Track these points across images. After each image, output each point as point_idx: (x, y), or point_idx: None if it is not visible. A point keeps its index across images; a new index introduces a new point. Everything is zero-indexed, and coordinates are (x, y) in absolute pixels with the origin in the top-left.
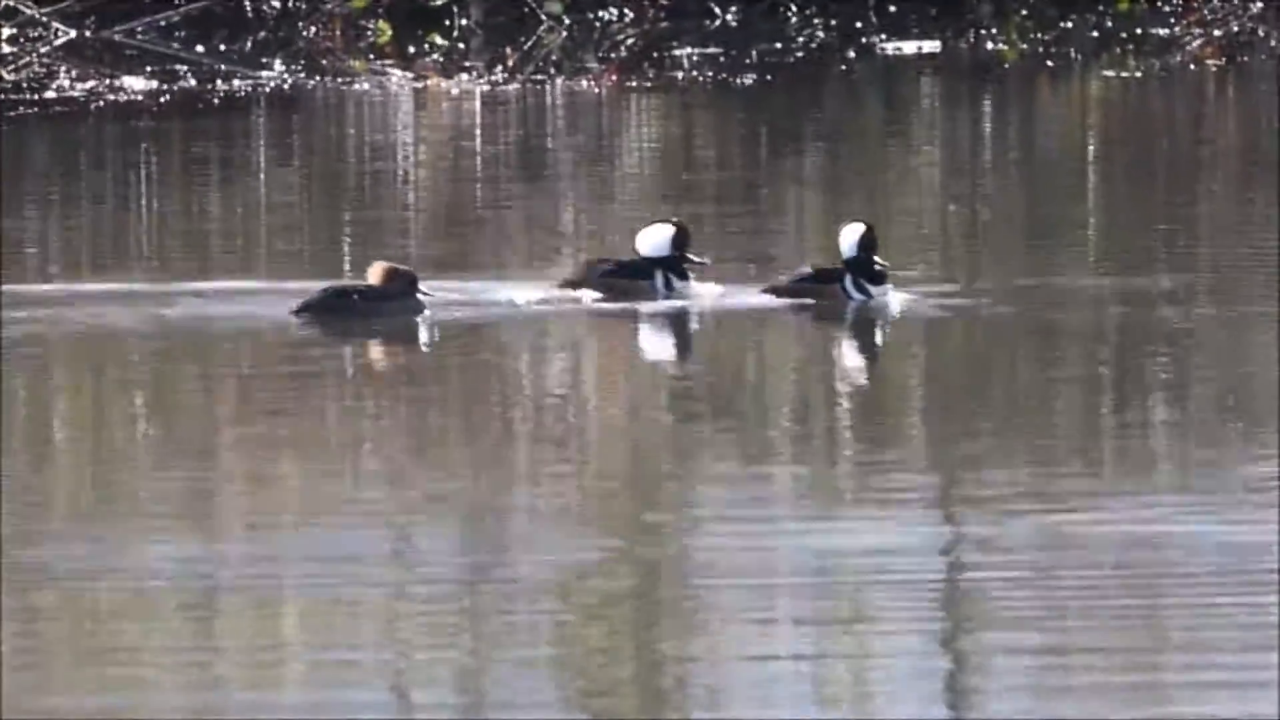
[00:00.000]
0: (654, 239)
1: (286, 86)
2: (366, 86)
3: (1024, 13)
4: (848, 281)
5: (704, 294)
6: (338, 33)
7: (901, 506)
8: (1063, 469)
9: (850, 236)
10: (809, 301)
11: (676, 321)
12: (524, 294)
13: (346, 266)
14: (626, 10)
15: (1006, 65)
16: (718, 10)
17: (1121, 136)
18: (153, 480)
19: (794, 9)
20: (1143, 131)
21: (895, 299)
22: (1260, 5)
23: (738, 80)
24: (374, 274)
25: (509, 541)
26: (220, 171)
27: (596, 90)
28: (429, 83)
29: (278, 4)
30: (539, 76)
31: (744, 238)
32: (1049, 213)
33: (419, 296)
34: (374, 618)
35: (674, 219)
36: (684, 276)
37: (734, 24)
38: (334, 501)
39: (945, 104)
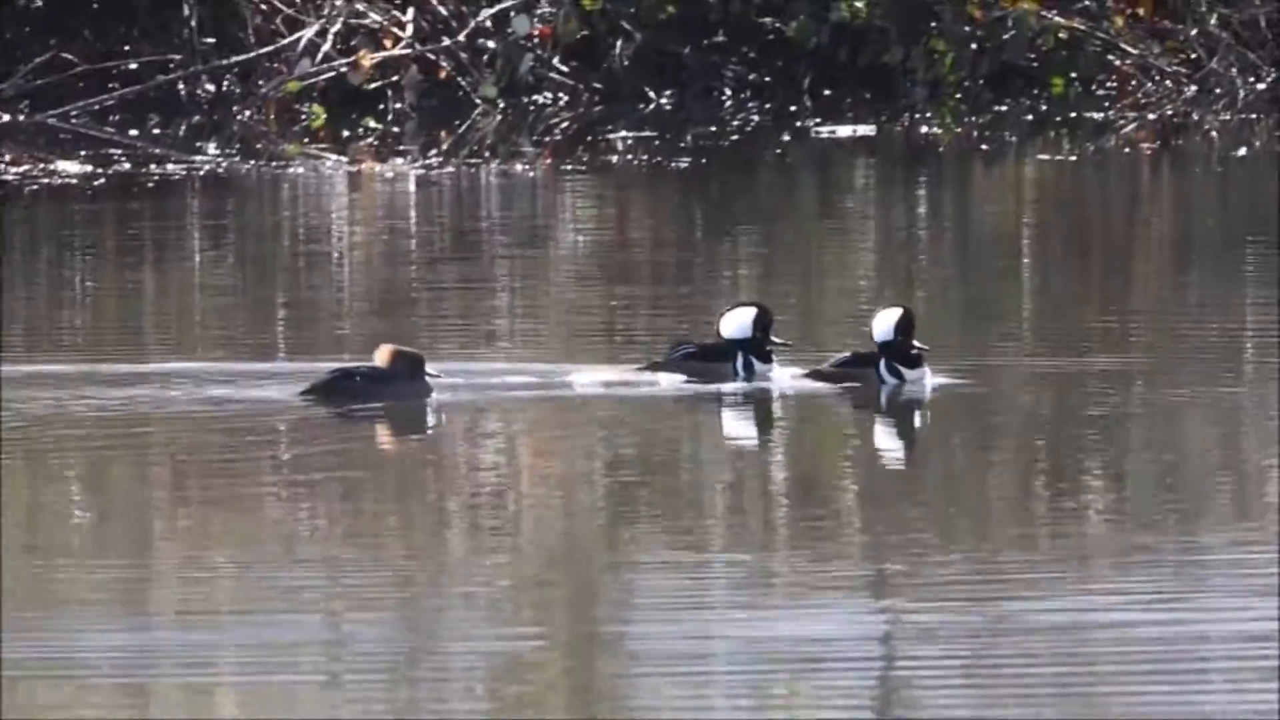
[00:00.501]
0: (736, 321)
1: (221, 170)
2: (301, 170)
3: (958, 96)
4: (881, 366)
5: (783, 378)
6: (272, 117)
7: (841, 595)
8: (1005, 556)
9: (885, 321)
10: (848, 385)
11: (697, 405)
12: (600, 376)
13: (280, 348)
14: (561, 94)
15: (941, 149)
16: (652, 94)
17: (1056, 219)
18: (87, 570)
19: (728, 93)
20: (1078, 214)
21: (930, 382)
22: (1194, 89)
23: (672, 163)
24: (380, 356)
25: (451, 629)
26: (154, 253)
27: (531, 174)
28: (363, 166)
29: (212, 88)
30: (473, 160)
31: (678, 318)
32: (984, 294)
33: (426, 379)
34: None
35: (756, 300)
36: (766, 359)
37: (668, 107)
38: (272, 590)
39: (880, 187)
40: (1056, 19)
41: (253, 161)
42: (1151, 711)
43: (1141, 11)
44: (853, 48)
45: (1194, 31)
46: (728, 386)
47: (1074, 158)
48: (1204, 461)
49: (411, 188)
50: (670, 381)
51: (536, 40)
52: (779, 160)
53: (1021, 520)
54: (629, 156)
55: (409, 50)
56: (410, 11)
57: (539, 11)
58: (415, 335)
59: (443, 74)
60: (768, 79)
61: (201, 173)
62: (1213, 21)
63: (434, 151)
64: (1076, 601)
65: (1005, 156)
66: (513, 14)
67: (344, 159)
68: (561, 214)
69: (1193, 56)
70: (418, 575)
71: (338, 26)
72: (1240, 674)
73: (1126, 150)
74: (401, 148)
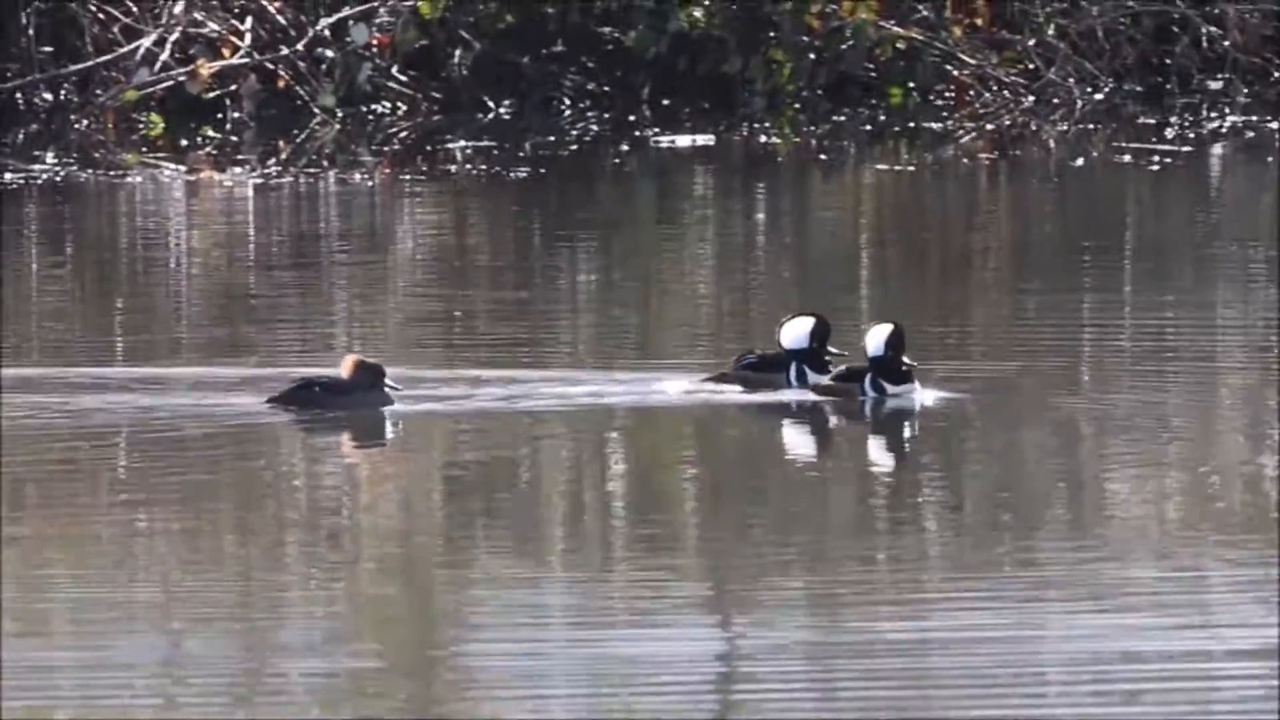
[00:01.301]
0: (794, 332)
1: (59, 179)
2: (139, 179)
3: (797, 106)
4: (867, 380)
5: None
6: (110, 126)
7: (686, 613)
8: (844, 572)
9: (876, 336)
10: (833, 400)
11: (714, 414)
12: (674, 386)
13: (118, 353)
14: (399, 104)
15: (780, 158)
16: (491, 103)
17: (894, 228)
18: None
19: (567, 102)
20: (914, 224)
21: (918, 397)
22: (1032, 99)
23: (511, 173)
24: (344, 366)
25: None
26: None
27: (370, 183)
28: (202, 175)
29: (49, 96)
30: (312, 169)
31: (516, 324)
32: (822, 303)
33: (385, 390)
34: None
35: (814, 311)
36: (821, 369)
37: (507, 117)
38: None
39: (718, 196)
40: (894, 29)
41: (91, 170)
42: None
43: (979, 22)
44: (691, 57)
45: (1032, 42)
46: (776, 396)
47: (912, 167)
48: (1043, 472)
49: (250, 197)
50: (730, 391)
51: (375, 49)
52: (618, 170)
53: (869, 532)
54: (468, 166)
55: (247, 59)
56: (248, 21)
57: (377, 21)
58: (252, 341)
59: (281, 83)
60: (606, 89)
61: (39, 181)
62: (1050, 32)
63: (273, 161)
64: (921, 616)
65: (844, 166)
66: (351, 23)
67: (182, 168)
68: (400, 222)
69: (1030, 67)
70: (257, 594)
71: (176, 35)
72: (1081, 688)
73: (965, 160)
74: (240, 157)
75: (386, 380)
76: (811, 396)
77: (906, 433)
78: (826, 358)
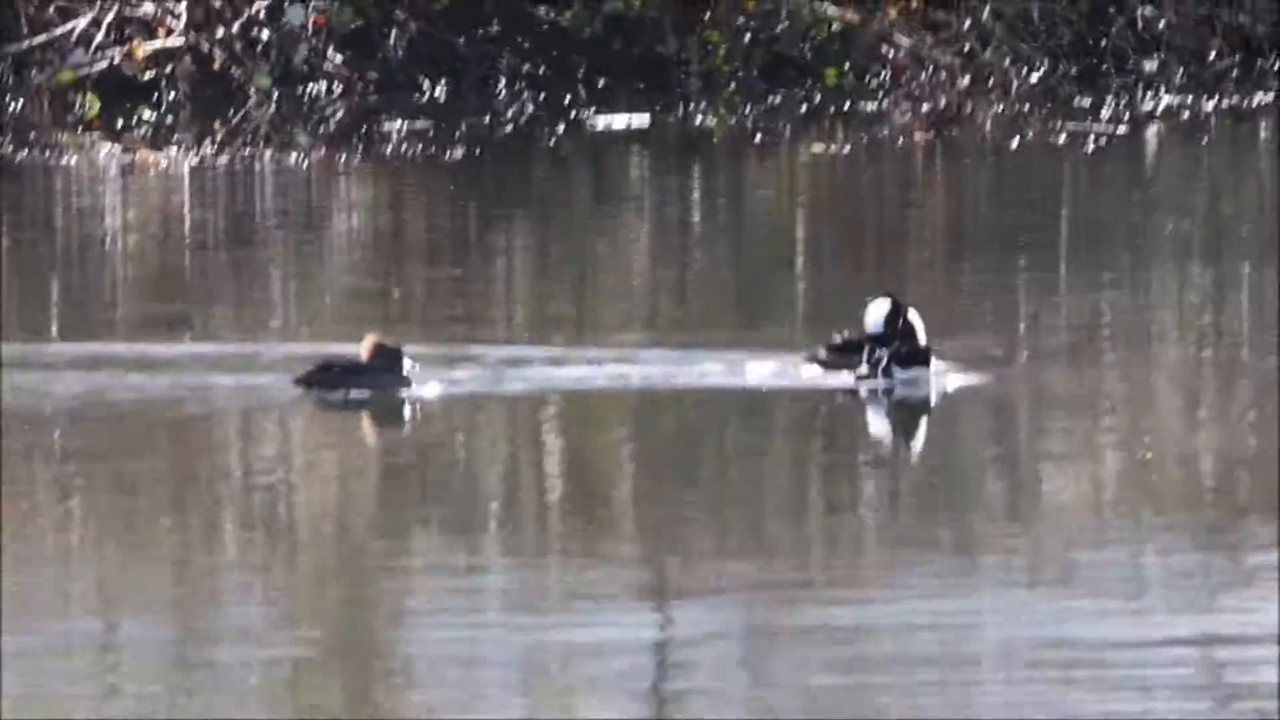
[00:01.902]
0: (874, 314)
1: None
2: (75, 160)
3: (732, 87)
4: (880, 363)
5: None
6: (46, 106)
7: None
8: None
9: (875, 313)
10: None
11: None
12: (764, 370)
13: (54, 331)
14: (335, 84)
15: (715, 139)
16: (427, 84)
17: (829, 208)
18: None
19: (503, 83)
20: (850, 204)
21: (932, 380)
22: (967, 80)
23: (447, 154)
24: (363, 347)
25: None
26: None
27: (306, 164)
28: (137, 156)
29: None
30: (248, 150)
31: (453, 302)
32: (756, 282)
33: (403, 372)
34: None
35: (891, 294)
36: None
37: (443, 97)
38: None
39: (654, 177)
40: (830, 10)
41: (26, 151)
42: (928, 703)
43: (915, 3)
44: (627, 38)
45: (967, 23)
46: (840, 380)
47: (848, 148)
48: (973, 455)
49: (186, 177)
50: (810, 374)
51: (310, 30)
52: (553, 150)
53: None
54: (404, 146)
55: (183, 40)
56: (184, 2)
57: (313, 1)
58: (189, 317)
59: (217, 64)
60: (542, 69)
61: None
62: (986, 13)
63: (208, 141)
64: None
65: (779, 146)
66: (286, 4)
67: (118, 148)
68: (336, 202)
69: (966, 48)
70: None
71: (111, 16)
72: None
73: (900, 141)
74: (176, 138)
75: (405, 361)
76: (874, 382)
77: (882, 419)
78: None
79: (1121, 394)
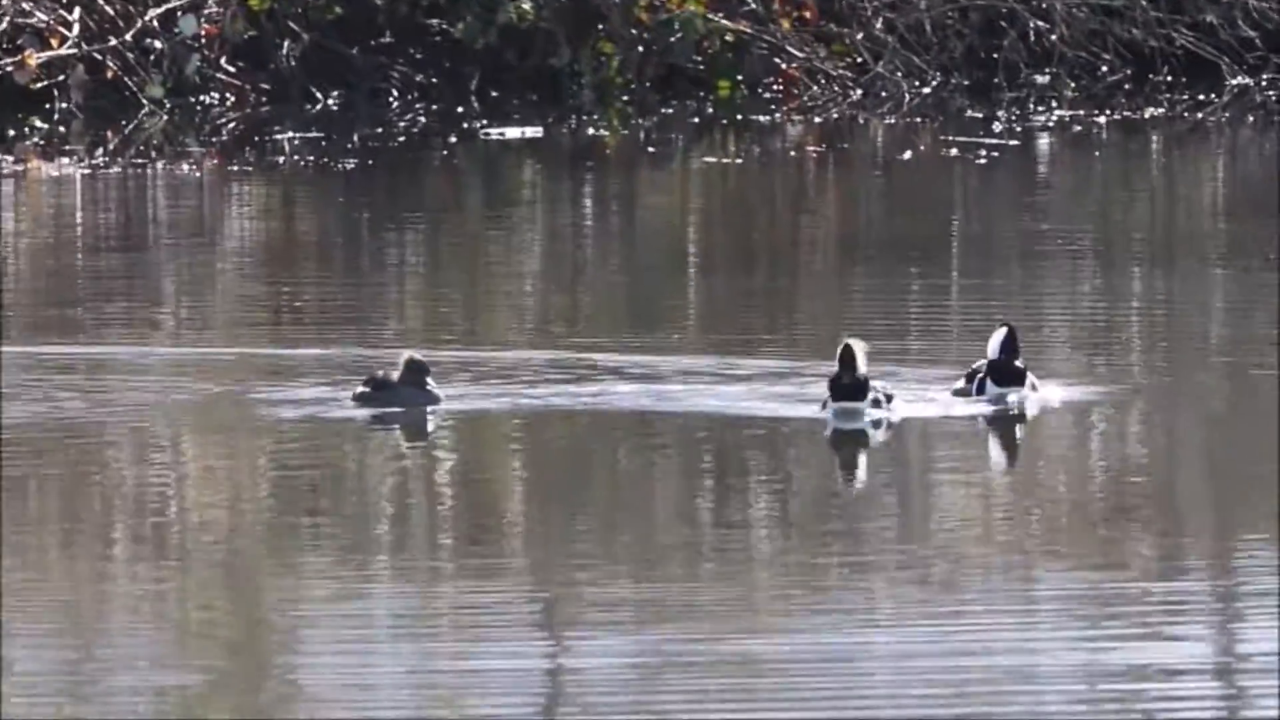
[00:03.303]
0: (992, 342)
1: None
2: None
3: (625, 98)
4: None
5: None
6: None
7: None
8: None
9: (994, 339)
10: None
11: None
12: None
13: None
14: (228, 94)
15: (608, 150)
16: (319, 95)
17: (721, 219)
18: None
19: (396, 94)
20: (742, 215)
21: (1027, 398)
22: (860, 93)
23: (339, 164)
24: (401, 363)
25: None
26: None
27: (198, 174)
28: (29, 166)
29: None
30: (140, 160)
31: (344, 311)
32: (648, 291)
33: (428, 389)
34: None
35: (1006, 321)
36: (1005, 381)
37: (336, 108)
38: None
39: (546, 188)
40: (723, 22)
41: None
42: None
43: (807, 15)
44: (520, 50)
45: (860, 35)
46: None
47: (739, 160)
48: (871, 475)
49: (78, 187)
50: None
51: (203, 40)
52: (446, 161)
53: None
54: (296, 157)
55: (75, 50)
56: (76, 11)
57: (206, 12)
58: (81, 324)
59: (109, 74)
60: (435, 80)
61: None
62: (878, 25)
63: (101, 151)
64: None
65: (672, 158)
66: (179, 14)
67: (9, 158)
68: (228, 212)
69: (858, 60)
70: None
71: (3, 25)
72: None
73: (793, 153)
74: (68, 147)
75: (429, 379)
76: (986, 408)
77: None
78: (1015, 366)
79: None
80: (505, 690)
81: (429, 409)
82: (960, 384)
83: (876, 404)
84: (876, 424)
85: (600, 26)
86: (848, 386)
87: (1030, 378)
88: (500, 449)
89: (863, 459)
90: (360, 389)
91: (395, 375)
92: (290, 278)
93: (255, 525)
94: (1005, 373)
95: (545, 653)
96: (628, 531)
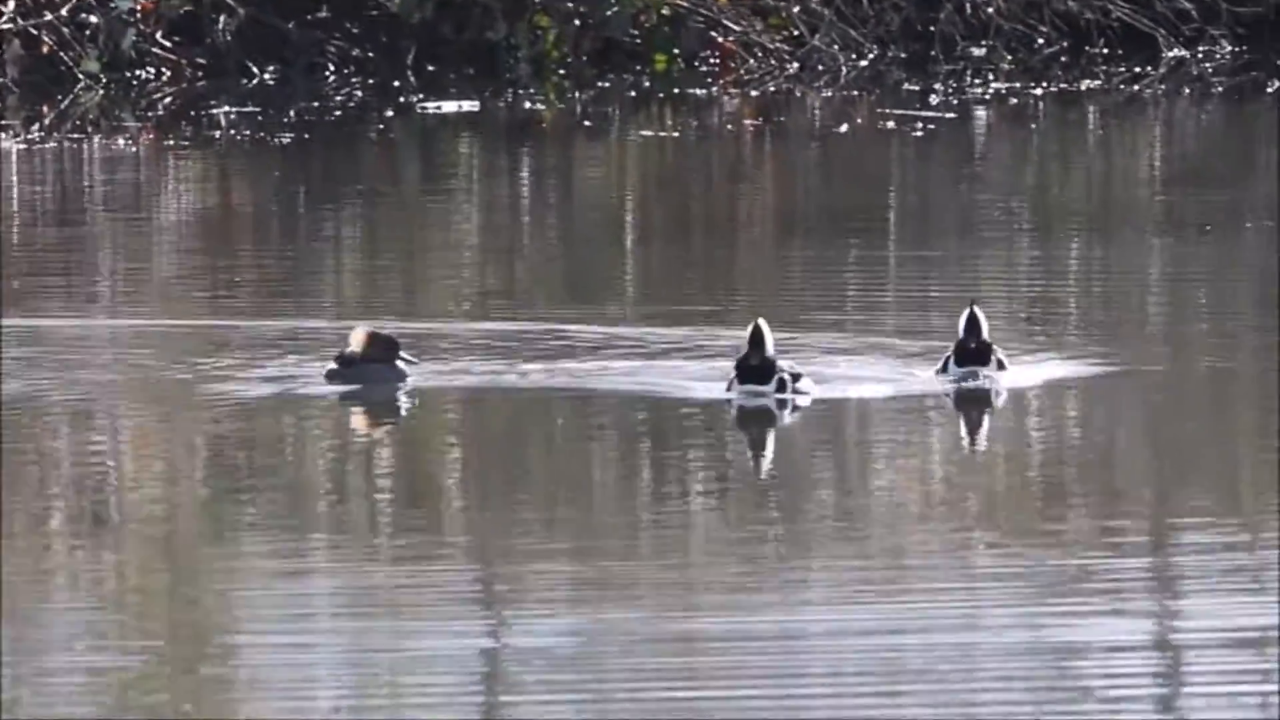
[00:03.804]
0: (960, 321)
1: None
2: None
3: (561, 72)
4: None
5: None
6: None
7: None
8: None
9: (961, 319)
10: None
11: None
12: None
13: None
14: (164, 69)
15: (545, 124)
16: (255, 69)
17: (658, 193)
18: None
19: (332, 68)
20: (678, 188)
21: (995, 379)
22: (797, 66)
23: (275, 139)
24: (354, 339)
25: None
26: None
27: (134, 148)
28: None
29: None
30: (76, 135)
31: (280, 284)
32: (585, 263)
33: (398, 365)
34: None
35: (973, 300)
36: (962, 360)
37: (272, 83)
38: None
39: (483, 161)
40: None
41: None
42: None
43: None
44: (456, 23)
45: (796, 8)
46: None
47: (676, 133)
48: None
49: (14, 161)
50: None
51: (139, 15)
52: (382, 135)
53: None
54: (232, 131)
55: (11, 25)
56: None
57: None
58: (20, 295)
59: (45, 49)
60: (371, 54)
61: None
62: None
63: (36, 126)
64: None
65: (608, 132)
66: None
67: None
68: (163, 186)
69: (795, 34)
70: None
71: None
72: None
73: (729, 126)
74: (3, 122)
75: (401, 354)
76: (941, 387)
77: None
78: (971, 345)
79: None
80: (445, 670)
81: (398, 385)
82: (940, 364)
83: (782, 386)
84: (782, 405)
85: (537, 0)
86: (755, 369)
87: (998, 356)
88: (449, 426)
89: (810, 437)
90: (331, 366)
91: (354, 349)
92: (227, 251)
93: (195, 503)
94: (966, 353)
95: (485, 632)
96: (570, 510)
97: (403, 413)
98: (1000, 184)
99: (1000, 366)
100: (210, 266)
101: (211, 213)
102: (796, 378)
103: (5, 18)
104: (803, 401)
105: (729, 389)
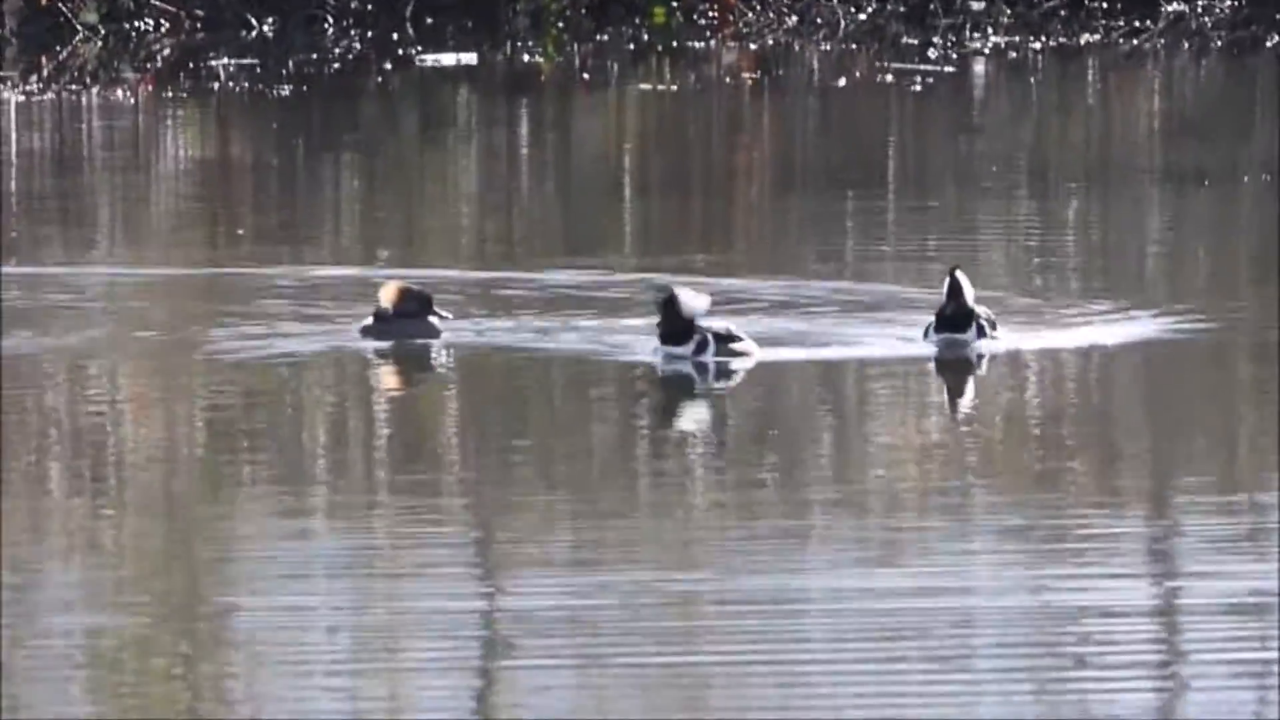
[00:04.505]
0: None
1: None
2: None
3: (560, 25)
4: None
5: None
6: None
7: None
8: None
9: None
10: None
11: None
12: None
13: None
14: (162, 21)
15: (543, 77)
16: (254, 21)
17: (656, 147)
18: None
19: (330, 21)
20: (676, 142)
21: (958, 344)
22: (795, 19)
23: (274, 91)
24: (385, 295)
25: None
26: None
27: (133, 100)
28: None
29: None
30: (75, 86)
31: (281, 232)
32: (583, 216)
33: (431, 320)
34: None
35: (954, 266)
36: (940, 327)
37: (271, 35)
38: None
39: (482, 114)
40: None
41: None
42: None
43: None
44: None
45: None
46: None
47: (675, 86)
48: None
49: (12, 112)
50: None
51: None
52: (381, 88)
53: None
54: (230, 84)
55: None
56: None
57: None
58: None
59: (44, 0)
60: (370, 7)
61: None
62: None
63: (35, 77)
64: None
65: (607, 85)
66: None
67: None
68: (163, 139)
69: None
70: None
71: None
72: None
73: (728, 79)
74: (2, 74)
75: (435, 309)
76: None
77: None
78: (947, 312)
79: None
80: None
81: (431, 340)
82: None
83: (702, 347)
84: (701, 369)
85: None
86: (952, 318)
87: (981, 321)
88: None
89: (803, 402)
90: (366, 322)
91: (386, 305)
92: (225, 202)
93: (194, 462)
94: (942, 320)
95: (481, 594)
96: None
97: (434, 368)
98: (1000, 137)
99: (981, 333)
100: (205, 212)
101: (209, 164)
102: (994, 324)
103: None
104: (736, 364)
105: (925, 337)
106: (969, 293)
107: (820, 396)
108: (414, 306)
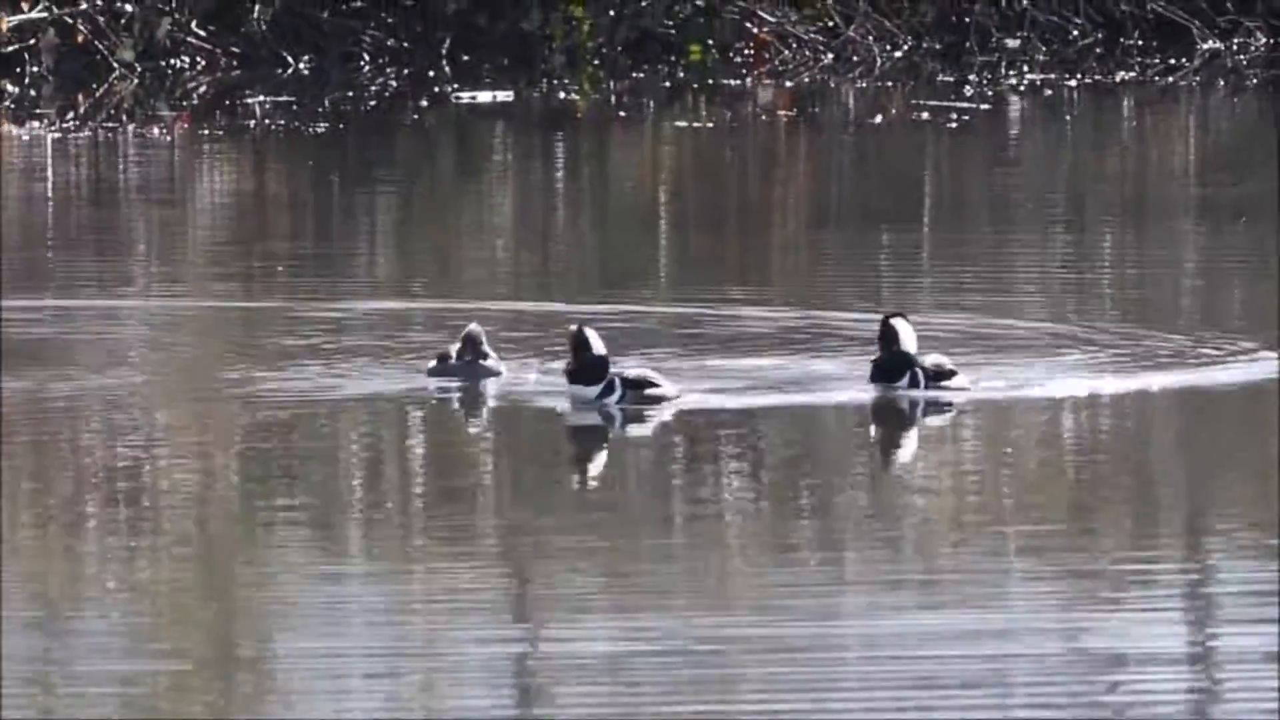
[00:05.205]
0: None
1: None
2: None
3: (596, 63)
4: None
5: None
6: None
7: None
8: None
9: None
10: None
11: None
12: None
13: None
14: (199, 58)
15: (579, 115)
16: (290, 59)
17: (691, 183)
18: None
19: (367, 58)
20: (712, 179)
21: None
22: (831, 57)
23: (310, 128)
24: (461, 339)
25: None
26: None
27: (169, 137)
28: (1, 129)
29: None
30: (111, 123)
31: (317, 275)
32: (619, 253)
33: (485, 363)
34: None
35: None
36: (876, 376)
37: (307, 72)
38: None
39: (517, 152)
40: None
41: None
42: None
43: None
44: (491, 13)
45: (831, 0)
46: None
47: (711, 124)
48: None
49: (49, 150)
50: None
51: (174, 4)
52: (417, 125)
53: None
54: (266, 121)
55: (46, 13)
56: None
57: None
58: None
59: (80, 38)
60: (406, 44)
61: None
62: None
63: (71, 115)
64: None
65: (643, 122)
66: None
67: None
68: (199, 176)
69: (830, 24)
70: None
71: None
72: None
73: (763, 117)
74: (39, 111)
75: (485, 349)
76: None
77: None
78: (878, 361)
79: (986, 364)
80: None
81: (489, 382)
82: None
83: (916, 382)
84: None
85: None
86: (884, 366)
87: (924, 368)
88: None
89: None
90: (432, 364)
91: (453, 348)
92: (260, 240)
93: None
94: (875, 368)
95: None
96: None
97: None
98: (1034, 175)
99: (919, 382)
100: (239, 250)
101: (244, 201)
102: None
103: (40, 6)
104: (649, 410)
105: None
106: (908, 341)
107: (708, 446)
108: (469, 350)
